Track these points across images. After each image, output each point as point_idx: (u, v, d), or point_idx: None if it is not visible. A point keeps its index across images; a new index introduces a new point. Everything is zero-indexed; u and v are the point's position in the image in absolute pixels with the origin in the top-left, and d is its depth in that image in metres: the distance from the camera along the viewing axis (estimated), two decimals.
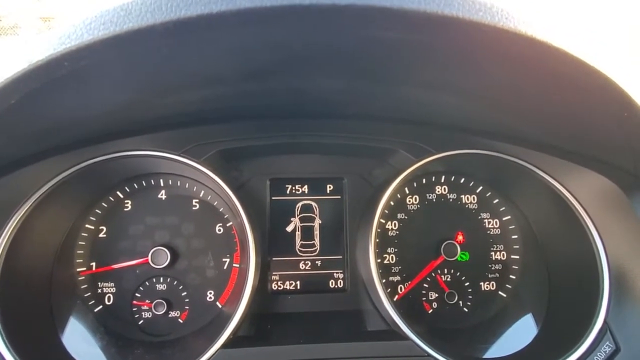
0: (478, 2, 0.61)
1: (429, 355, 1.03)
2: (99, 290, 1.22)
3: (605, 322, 1.05)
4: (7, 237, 1.00)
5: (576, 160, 1.14)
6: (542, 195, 1.22)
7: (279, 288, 1.30)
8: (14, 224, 1.01)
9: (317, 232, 1.34)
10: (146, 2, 0.56)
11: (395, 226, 1.34)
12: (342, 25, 0.61)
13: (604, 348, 1.03)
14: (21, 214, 1.02)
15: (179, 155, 1.14)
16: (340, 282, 1.32)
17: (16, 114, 0.74)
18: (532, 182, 1.21)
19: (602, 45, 0.75)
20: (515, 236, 1.34)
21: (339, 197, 1.35)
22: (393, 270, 1.31)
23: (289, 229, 1.33)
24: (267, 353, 1.05)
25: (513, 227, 1.35)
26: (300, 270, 1.32)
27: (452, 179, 1.36)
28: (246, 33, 0.62)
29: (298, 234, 1.33)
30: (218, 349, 1.01)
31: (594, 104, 0.83)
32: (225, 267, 1.26)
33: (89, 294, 1.21)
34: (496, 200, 1.36)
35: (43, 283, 1.12)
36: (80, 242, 1.22)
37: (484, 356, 1.15)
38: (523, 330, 1.21)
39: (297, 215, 1.34)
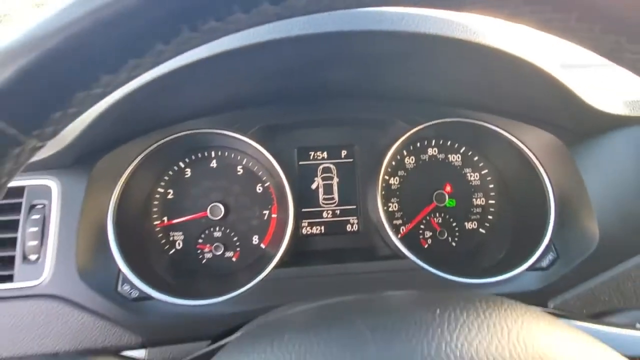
0: (453, 22, 0.88)
1: (424, 269, 1.21)
2: (171, 238, 1.42)
3: (550, 239, 1.25)
4: (116, 196, 1.25)
5: (531, 122, 1.30)
6: (508, 151, 1.38)
7: (308, 232, 1.49)
8: (120, 185, 1.26)
9: (335, 188, 1.51)
10: None
11: (396, 181, 1.50)
12: (359, 44, 0.89)
13: (549, 257, 1.25)
14: (123, 180, 1.26)
15: (231, 130, 1.36)
16: (355, 225, 1.50)
17: (137, 107, 1.03)
18: (500, 141, 1.37)
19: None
20: (492, 185, 1.49)
21: (351, 160, 1.52)
22: (396, 216, 1.48)
23: (314, 186, 1.51)
24: (301, 272, 1.24)
25: (489, 178, 1.50)
26: (324, 218, 1.50)
27: (441, 142, 1.51)
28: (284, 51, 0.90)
29: (320, 190, 1.51)
30: (266, 275, 1.25)
31: (538, 87, 1.08)
32: (265, 218, 1.44)
33: (164, 240, 1.42)
34: (476, 158, 1.51)
35: (137, 231, 1.37)
36: (154, 202, 1.42)
37: (465, 267, 1.31)
38: (495, 254, 1.40)
39: (319, 176, 1.51)
